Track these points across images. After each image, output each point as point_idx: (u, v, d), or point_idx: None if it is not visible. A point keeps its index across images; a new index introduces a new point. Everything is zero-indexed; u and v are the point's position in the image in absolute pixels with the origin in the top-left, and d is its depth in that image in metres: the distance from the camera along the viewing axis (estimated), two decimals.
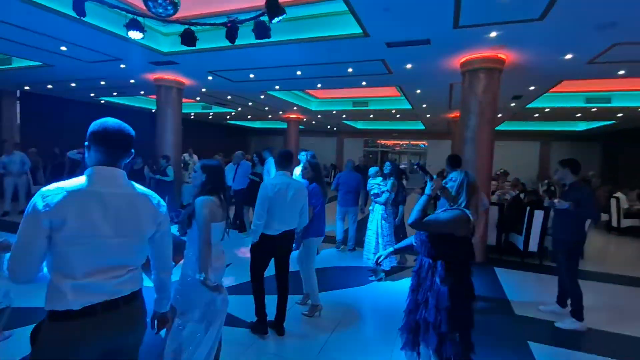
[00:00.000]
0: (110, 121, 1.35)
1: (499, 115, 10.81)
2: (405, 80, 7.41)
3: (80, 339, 1.22)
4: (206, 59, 6.23)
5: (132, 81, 8.36)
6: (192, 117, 15.72)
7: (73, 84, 9.15)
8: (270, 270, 3.04)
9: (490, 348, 2.87)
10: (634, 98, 8.52)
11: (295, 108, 11.91)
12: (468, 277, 2.02)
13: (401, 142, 19.71)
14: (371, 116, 13.59)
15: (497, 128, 6.25)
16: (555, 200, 3.43)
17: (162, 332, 1.80)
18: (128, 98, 12.00)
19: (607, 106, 8.93)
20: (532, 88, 7.51)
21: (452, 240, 1.97)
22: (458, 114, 9.06)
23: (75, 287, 1.21)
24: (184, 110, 9.92)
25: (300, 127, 15.20)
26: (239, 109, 12.80)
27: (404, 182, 7.30)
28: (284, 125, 14.77)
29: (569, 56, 5.22)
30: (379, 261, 2.43)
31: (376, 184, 4.54)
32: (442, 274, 1.97)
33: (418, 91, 8.36)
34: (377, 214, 4.46)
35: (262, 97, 10.01)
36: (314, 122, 15.72)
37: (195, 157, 13.01)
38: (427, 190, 2.10)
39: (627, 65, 5.57)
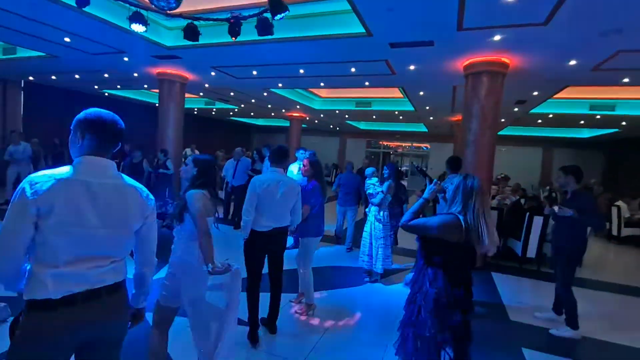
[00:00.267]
0: (104, 112, 1.35)
1: (502, 120, 10.79)
2: (409, 82, 7.38)
3: (59, 328, 1.20)
4: (209, 54, 6.22)
5: (135, 74, 8.37)
6: (195, 112, 15.73)
7: (77, 76, 9.17)
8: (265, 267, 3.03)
9: (483, 353, 2.85)
10: (638, 106, 8.45)
11: (298, 106, 11.90)
12: (464, 285, 1.93)
13: (404, 144, 19.66)
14: (374, 117, 13.56)
15: (499, 133, 6.23)
16: (556, 208, 3.39)
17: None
18: (132, 91, 12.02)
19: (611, 114, 8.87)
20: (535, 93, 7.46)
21: (445, 245, 1.91)
22: (461, 117, 9.04)
23: (56, 276, 1.19)
24: (187, 106, 9.94)
25: (303, 125, 15.18)
26: (242, 105, 12.80)
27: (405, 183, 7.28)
28: (287, 124, 14.76)
29: (573, 62, 5.19)
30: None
31: (372, 184, 4.53)
32: (430, 276, 1.94)
33: (421, 93, 8.33)
34: (371, 216, 4.45)
35: (265, 94, 10.00)
36: (316, 121, 15.70)
37: (197, 152, 13.05)
38: (426, 194, 2.08)
39: (632, 72, 5.53)
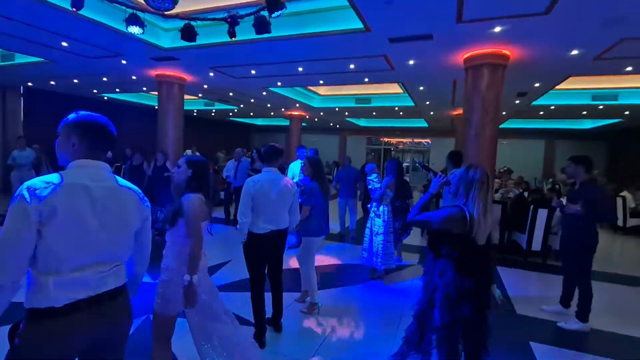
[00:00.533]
0: (96, 114, 1.34)
1: (503, 113, 10.72)
2: (408, 77, 7.33)
3: (63, 336, 1.18)
4: (207, 55, 6.19)
5: (133, 77, 8.36)
6: (195, 113, 15.72)
7: (76, 80, 9.15)
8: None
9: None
10: None
11: (297, 105, 11.86)
12: (481, 278, 1.89)
13: (404, 140, 19.59)
14: (374, 113, 13.50)
15: (501, 126, 6.18)
16: (564, 201, 3.32)
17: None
18: (131, 94, 12.00)
19: (614, 104, 8.79)
20: (537, 85, 7.40)
21: (451, 237, 1.90)
22: (461, 111, 8.98)
23: (59, 284, 1.17)
24: (187, 107, 9.92)
25: (303, 124, 15.14)
26: (241, 105, 12.78)
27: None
28: (287, 123, 14.74)
29: (575, 52, 5.13)
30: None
31: (371, 180, 4.51)
32: (439, 268, 1.93)
33: (421, 88, 8.28)
34: (372, 212, 4.43)
35: (264, 93, 9.97)
36: (316, 120, 15.67)
37: (197, 154, 13.03)
38: (431, 188, 2.06)
39: (635, 61, 5.46)
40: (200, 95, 10.98)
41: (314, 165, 3.39)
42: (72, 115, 1.32)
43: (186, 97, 8.78)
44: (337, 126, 18.47)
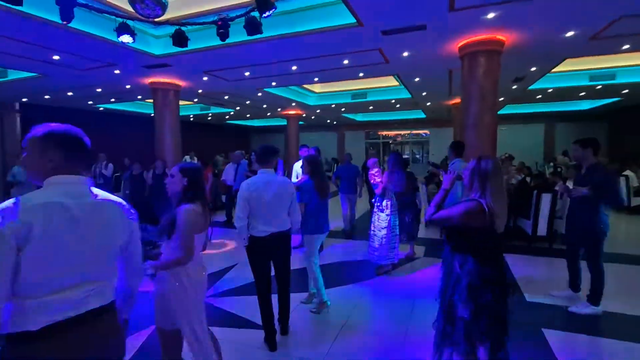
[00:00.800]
0: (69, 125, 1.27)
1: (501, 99, 10.66)
2: (403, 69, 7.28)
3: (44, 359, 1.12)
4: (200, 59, 6.16)
5: (127, 86, 8.33)
6: (192, 119, 15.69)
7: (70, 93, 9.13)
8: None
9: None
10: (639, 73, 8.31)
11: (293, 104, 11.82)
12: (494, 265, 1.92)
13: (402, 132, 19.55)
14: (371, 108, 13.45)
15: (499, 112, 6.13)
16: (570, 185, 3.27)
17: None
18: (126, 104, 11.97)
19: (612, 83, 8.73)
20: (533, 69, 7.34)
21: (470, 231, 1.90)
22: (459, 100, 8.94)
23: (38, 306, 1.11)
24: (182, 113, 9.90)
25: (300, 123, 15.10)
26: (237, 108, 12.74)
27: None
28: (284, 122, 14.71)
29: (570, 33, 5.07)
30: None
31: (373, 175, 4.48)
32: (460, 260, 1.93)
33: (417, 79, 8.23)
34: (375, 206, 4.42)
35: (259, 94, 9.93)
36: (313, 117, 15.62)
37: (196, 159, 13.02)
38: (445, 184, 2.07)
39: (632, 38, 5.40)
40: (195, 100, 10.95)
41: (312, 163, 3.37)
42: (40, 128, 1.22)
43: (182, 102, 8.75)
44: (335, 123, 18.43)
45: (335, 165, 17.26)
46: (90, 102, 10.82)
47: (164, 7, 3.60)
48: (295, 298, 3.27)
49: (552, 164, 12.26)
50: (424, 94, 10.10)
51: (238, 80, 7.94)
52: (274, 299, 2.89)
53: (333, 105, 12.22)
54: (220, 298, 3.71)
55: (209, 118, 15.85)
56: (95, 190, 1.29)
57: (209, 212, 2.05)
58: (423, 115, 15.66)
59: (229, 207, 7.39)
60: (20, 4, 3.18)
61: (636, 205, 7.93)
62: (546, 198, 5.31)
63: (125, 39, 3.97)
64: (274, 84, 8.59)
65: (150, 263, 1.80)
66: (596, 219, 3.19)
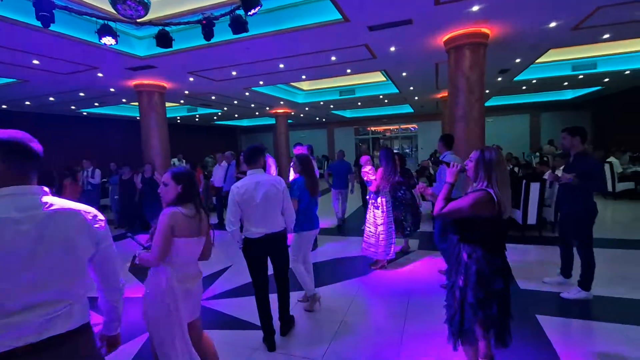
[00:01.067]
0: (13, 131, 1.16)
1: (487, 91, 10.79)
2: (390, 64, 7.30)
3: None
4: (185, 60, 6.06)
5: (112, 89, 8.16)
6: (179, 120, 15.48)
7: (52, 98, 8.91)
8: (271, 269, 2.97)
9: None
10: (619, 62, 8.51)
11: (282, 102, 11.75)
12: (499, 257, 1.96)
13: (391, 128, 19.64)
14: (359, 104, 13.48)
15: (485, 104, 6.21)
16: (559, 173, 3.32)
17: None
18: (111, 107, 11.73)
19: (593, 72, 8.93)
20: (518, 60, 7.45)
21: (479, 221, 1.92)
22: (446, 94, 9.01)
23: None
24: (169, 115, 9.76)
25: (289, 121, 15.04)
26: (225, 108, 12.61)
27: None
28: (273, 121, 14.63)
29: (553, 24, 5.16)
30: None
31: (366, 172, 4.49)
32: (468, 250, 1.97)
33: (404, 74, 8.26)
34: (370, 204, 4.43)
35: (247, 94, 9.84)
36: (302, 115, 15.58)
37: (183, 161, 12.85)
38: (448, 178, 2.11)
39: (612, 27, 5.52)
40: (182, 101, 10.79)
41: (302, 161, 3.35)
42: None
43: (168, 104, 8.62)
44: (324, 120, 18.41)
45: (326, 162, 17.25)
46: (73, 107, 10.56)
47: (146, 8, 3.52)
48: (292, 297, 3.26)
49: (538, 153, 12.50)
50: (412, 88, 10.16)
51: (225, 80, 7.85)
52: (272, 298, 2.87)
53: (322, 103, 12.20)
54: (216, 300, 3.68)
55: (197, 119, 15.65)
56: (49, 199, 1.15)
57: (207, 215, 2.00)
58: (411, 110, 15.76)
59: (220, 209, 7.33)
60: None
61: (621, 190, 8.14)
62: (535, 187, 5.40)
63: (108, 41, 3.87)
64: (261, 82, 8.52)
65: (140, 253, 1.84)
66: (585, 204, 3.27)
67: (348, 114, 16.83)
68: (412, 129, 19.08)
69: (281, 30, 4.91)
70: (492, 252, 1.94)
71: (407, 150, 19.89)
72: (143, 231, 7.05)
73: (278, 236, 2.77)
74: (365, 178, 4.49)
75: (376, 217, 4.31)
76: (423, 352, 2.59)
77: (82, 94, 8.60)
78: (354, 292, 3.79)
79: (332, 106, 13.42)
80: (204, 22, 3.85)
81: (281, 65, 6.81)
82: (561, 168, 4.17)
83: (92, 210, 1.25)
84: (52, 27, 4.13)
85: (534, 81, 10.03)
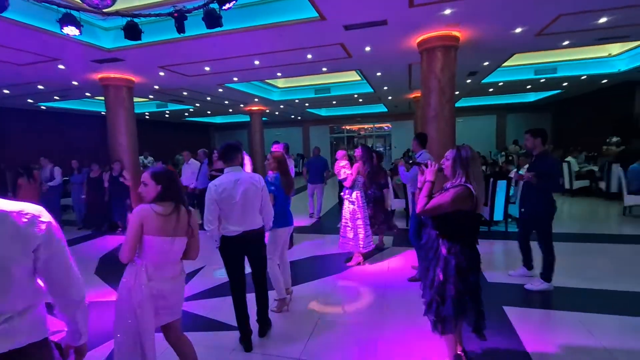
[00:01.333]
0: None
1: (457, 93, 11.19)
2: (365, 64, 7.39)
3: None
4: (155, 54, 5.83)
5: (74, 83, 7.71)
6: (147, 116, 14.89)
7: (6, 91, 8.29)
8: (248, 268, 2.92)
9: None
10: (577, 67, 9.09)
11: (256, 99, 11.59)
12: (474, 251, 2.10)
13: (366, 126, 19.90)
14: (334, 102, 13.55)
15: (455, 105, 6.42)
16: (523, 172, 3.51)
17: None
18: (73, 102, 11.08)
19: (554, 76, 9.48)
20: (486, 63, 7.77)
21: (459, 215, 2.02)
22: (419, 94, 9.24)
23: None
24: (138, 110, 9.34)
25: (264, 119, 14.87)
26: (197, 105, 12.26)
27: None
28: (247, 118, 14.39)
29: (518, 30, 5.41)
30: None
31: (340, 166, 4.52)
32: (447, 245, 2.07)
33: (378, 74, 8.39)
34: (344, 199, 4.47)
35: (220, 90, 9.62)
36: (277, 113, 15.44)
37: (150, 158, 12.37)
38: (428, 177, 2.19)
39: (571, 34, 5.87)
40: (151, 96, 10.38)
41: (277, 159, 3.33)
42: None
43: (136, 99, 8.26)
44: (299, 118, 18.36)
45: (301, 161, 17.23)
46: (30, 101, 9.88)
47: None
48: (270, 295, 3.22)
49: (504, 153, 13.11)
50: (386, 88, 10.34)
51: (197, 76, 7.63)
52: (249, 298, 2.83)
53: (297, 101, 12.15)
54: (190, 302, 3.57)
55: (167, 115, 15.12)
56: None
57: (188, 215, 1.94)
58: (385, 109, 16.03)
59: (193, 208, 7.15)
60: None
61: (578, 187, 8.70)
62: (501, 185, 5.67)
63: (70, 31, 3.64)
64: (235, 79, 8.36)
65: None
66: (545, 201, 3.49)
67: (323, 112, 16.88)
68: (386, 128, 19.42)
69: (257, 27, 4.84)
70: (469, 247, 2.06)
71: (381, 149, 20.24)
72: (111, 232, 6.74)
73: (256, 234, 2.73)
74: (337, 172, 4.50)
75: (353, 212, 4.36)
76: (400, 346, 2.65)
77: (41, 87, 8.06)
78: (330, 290, 3.81)
79: (307, 104, 13.40)
80: (176, 14, 3.71)
81: (256, 62, 6.71)
82: (525, 167, 4.39)
83: (33, 210, 1.08)
84: (7, 14, 3.86)
85: (500, 84, 10.50)
